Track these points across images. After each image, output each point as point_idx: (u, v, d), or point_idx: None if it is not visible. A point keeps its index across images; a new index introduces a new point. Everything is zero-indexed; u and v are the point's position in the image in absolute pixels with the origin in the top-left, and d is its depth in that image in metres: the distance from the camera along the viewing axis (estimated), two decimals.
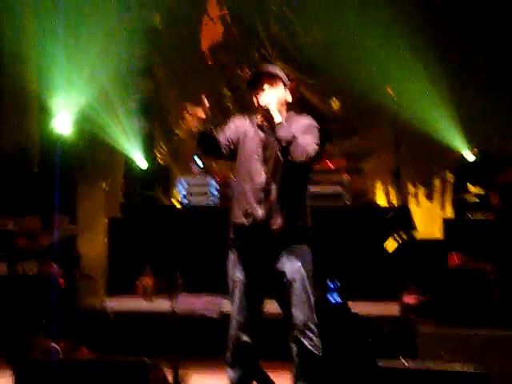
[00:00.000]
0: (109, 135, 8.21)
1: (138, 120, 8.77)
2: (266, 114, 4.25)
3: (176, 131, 8.86)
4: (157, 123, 8.99)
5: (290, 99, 4.42)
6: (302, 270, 4.26)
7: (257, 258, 4.30)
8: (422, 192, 8.31)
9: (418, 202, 8.29)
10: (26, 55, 8.00)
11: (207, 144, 4.31)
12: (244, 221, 4.31)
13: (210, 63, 8.90)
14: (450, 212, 7.90)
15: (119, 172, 8.58)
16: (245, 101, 8.77)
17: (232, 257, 4.42)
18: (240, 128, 4.43)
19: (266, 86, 4.30)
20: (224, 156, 4.41)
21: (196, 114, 4.18)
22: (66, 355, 5.66)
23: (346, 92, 8.16)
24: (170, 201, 7.63)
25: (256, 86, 4.35)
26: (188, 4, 8.86)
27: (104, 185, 8.70)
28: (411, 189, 8.18)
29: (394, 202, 7.77)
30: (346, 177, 7.19)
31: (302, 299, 4.24)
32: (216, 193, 7.22)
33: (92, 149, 8.18)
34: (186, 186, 7.28)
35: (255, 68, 4.53)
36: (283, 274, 4.25)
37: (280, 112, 4.29)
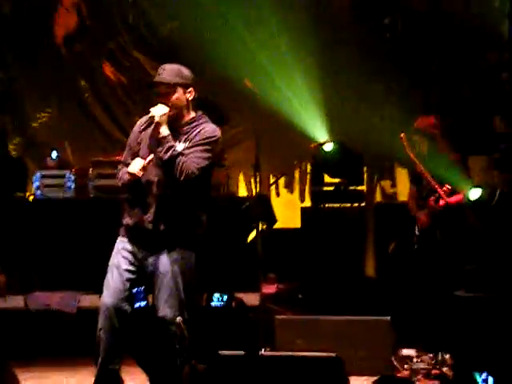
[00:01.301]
0: None
1: None
2: (156, 125, 4.25)
3: (30, 123, 8.57)
4: (10, 115, 8.65)
5: (190, 97, 4.35)
6: (176, 267, 4.26)
7: (139, 253, 4.32)
8: (281, 183, 8.41)
9: (278, 193, 8.40)
10: None
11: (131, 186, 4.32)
12: (130, 222, 4.34)
13: (64, 53, 8.64)
14: (308, 202, 8.03)
15: None
16: (101, 91, 8.64)
17: (118, 246, 4.39)
18: (136, 134, 4.42)
19: (161, 94, 4.28)
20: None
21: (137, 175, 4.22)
22: None
23: (206, 84, 8.14)
24: (24, 194, 7.36)
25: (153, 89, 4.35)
26: None
27: None
28: (272, 180, 8.26)
29: (255, 193, 7.83)
30: None
31: (171, 294, 4.25)
32: (72, 185, 7.04)
33: None
34: (40, 179, 7.06)
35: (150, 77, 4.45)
36: (157, 268, 4.27)
37: (179, 116, 4.30)
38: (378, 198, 8.14)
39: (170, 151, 4.20)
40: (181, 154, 4.21)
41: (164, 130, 4.23)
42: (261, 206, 6.56)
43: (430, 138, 5.83)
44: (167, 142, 4.22)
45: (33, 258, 6.84)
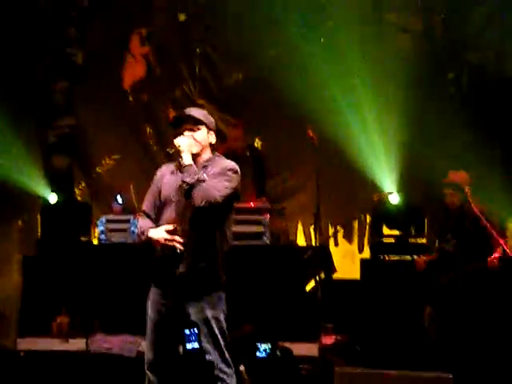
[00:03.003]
0: (23, 172, 8.06)
1: (58, 156, 8.66)
2: (178, 155, 4.30)
3: (96, 169, 8.78)
4: (76, 160, 8.88)
5: (213, 141, 4.44)
6: (208, 312, 4.27)
7: (167, 299, 4.33)
8: (341, 233, 8.41)
9: (336, 243, 8.39)
10: None
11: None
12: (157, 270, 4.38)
13: (131, 101, 8.87)
14: (367, 253, 8.00)
15: (36, 209, 8.41)
16: (166, 139, 8.81)
17: (150, 295, 4.43)
18: (157, 180, 4.46)
19: (185, 128, 4.34)
20: None
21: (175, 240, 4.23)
22: None
23: (268, 132, 8.26)
24: (89, 238, 7.51)
25: (178, 128, 4.39)
26: (111, 41, 8.86)
27: (20, 222, 8.51)
28: (331, 230, 8.27)
29: (314, 242, 7.83)
30: (266, 216, 7.22)
31: (209, 341, 4.25)
32: (136, 230, 7.14)
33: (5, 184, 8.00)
34: (105, 223, 7.19)
35: (180, 111, 4.51)
36: (189, 316, 4.28)
37: (199, 155, 4.34)
38: None
39: (196, 176, 4.19)
40: (205, 180, 4.22)
41: (188, 159, 4.26)
42: (321, 256, 6.56)
43: (462, 192, 5.94)
44: (191, 169, 4.23)
45: (95, 300, 6.94)
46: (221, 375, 4.25)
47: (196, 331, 4.29)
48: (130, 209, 7.34)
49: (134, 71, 8.87)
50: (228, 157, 7.09)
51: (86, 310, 6.97)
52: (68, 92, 8.74)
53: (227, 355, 4.29)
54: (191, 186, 4.18)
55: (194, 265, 4.26)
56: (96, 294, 6.95)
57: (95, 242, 7.31)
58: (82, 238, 7.53)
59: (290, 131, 8.05)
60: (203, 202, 4.17)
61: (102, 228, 7.20)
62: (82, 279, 6.91)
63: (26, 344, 6.79)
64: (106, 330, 6.83)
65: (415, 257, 6.48)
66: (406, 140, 7.77)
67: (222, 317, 4.32)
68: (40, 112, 8.70)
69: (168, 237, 4.23)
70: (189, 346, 4.31)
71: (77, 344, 6.68)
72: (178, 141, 4.31)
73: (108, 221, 7.24)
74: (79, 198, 8.64)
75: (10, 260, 8.11)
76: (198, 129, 4.36)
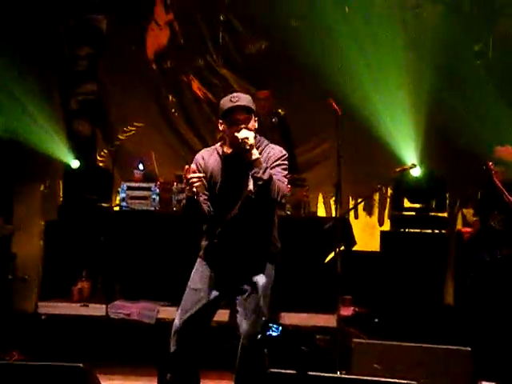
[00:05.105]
0: (46, 137, 8.10)
1: (80, 123, 8.68)
2: (243, 149, 4.22)
3: (118, 136, 8.79)
4: (99, 127, 8.90)
5: (256, 126, 4.41)
6: (261, 284, 4.36)
7: (222, 274, 4.43)
8: (361, 206, 8.38)
9: (356, 216, 8.37)
10: None
11: (192, 209, 4.30)
12: (208, 243, 4.46)
13: (154, 69, 8.86)
14: (387, 226, 7.98)
15: (58, 174, 8.46)
16: (188, 108, 8.80)
17: (197, 266, 4.49)
18: (202, 167, 4.43)
19: (241, 120, 4.29)
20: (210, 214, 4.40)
21: (199, 178, 4.19)
22: None
23: (290, 103, 8.21)
24: (109, 205, 7.55)
25: (229, 115, 4.33)
26: (135, 8, 8.81)
27: (42, 187, 8.57)
28: (351, 202, 8.25)
29: (334, 214, 7.81)
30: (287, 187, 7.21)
31: (254, 312, 4.33)
32: (156, 198, 7.18)
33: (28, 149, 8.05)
34: (126, 190, 7.22)
35: (230, 97, 4.40)
36: (238, 286, 4.38)
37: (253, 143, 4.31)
38: (460, 225, 8.04)
39: (268, 172, 4.20)
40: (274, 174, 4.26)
41: (256, 153, 4.25)
42: (341, 228, 6.55)
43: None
44: (261, 163, 4.22)
45: (116, 266, 7.00)
46: (258, 345, 4.24)
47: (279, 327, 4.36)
48: (152, 176, 7.34)
49: (157, 39, 8.83)
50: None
51: (106, 276, 7.02)
52: (91, 58, 8.72)
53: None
54: (267, 182, 4.18)
55: (254, 242, 4.38)
56: (117, 261, 7.00)
57: (116, 208, 7.34)
58: (103, 204, 7.56)
59: (313, 103, 8.00)
60: (280, 197, 4.24)
61: (123, 195, 7.22)
62: (103, 245, 6.94)
63: (46, 308, 6.85)
64: (126, 297, 6.89)
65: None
66: (429, 112, 7.71)
67: (269, 290, 4.42)
68: (63, 77, 8.72)
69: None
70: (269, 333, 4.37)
71: (97, 309, 6.74)
72: (245, 134, 4.21)
73: (129, 188, 7.26)
74: (101, 165, 8.68)
75: (32, 225, 8.18)
76: (251, 118, 4.34)
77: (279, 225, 4.60)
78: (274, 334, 5.75)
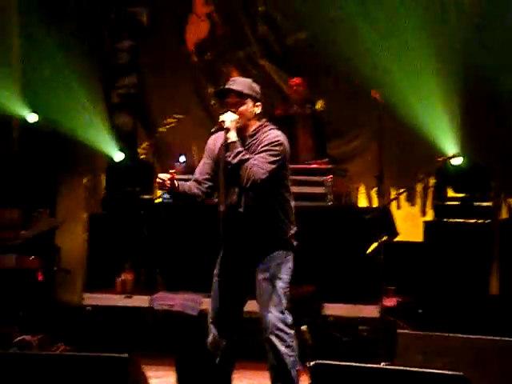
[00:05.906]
0: (89, 130, 8.17)
1: (122, 115, 8.75)
2: (225, 131, 4.26)
3: (159, 128, 8.84)
4: (139, 119, 8.95)
5: (258, 111, 4.36)
6: (272, 271, 4.30)
7: (236, 260, 4.40)
8: (403, 196, 8.31)
9: (399, 206, 8.31)
10: None
11: (177, 199, 4.43)
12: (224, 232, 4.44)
13: (195, 61, 8.88)
14: (430, 216, 7.91)
15: (101, 168, 8.54)
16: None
17: (220, 254, 4.50)
18: (212, 152, 4.43)
19: (231, 103, 4.28)
20: (203, 198, 4.41)
21: (164, 183, 4.23)
22: (42, 349, 5.62)
23: (331, 93, 8.17)
24: (151, 197, 7.59)
25: (223, 98, 4.37)
26: (176, 0, 8.84)
27: (85, 180, 8.66)
28: (393, 192, 8.19)
29: (376, 204, 7.77)
30: (328, 178, 7.18)
31: (270, 300, 4.28)
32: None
33: (72, 142, 8.13)
34: None
35: (225, 82, 4.44)
36: (257, 275, 4.33)
37: (246, 126, 4.30)
38: (504, 215, 7.94)
39: (239, 156, 4.17)
40: (248, 159, 4.19)
41: (233, 136, 4.23)
42: (383, 218, 6.50)
43: None
44: (235, 147, 4.20)
45: (159, 258, 7.05)
46: (281, 335, 4.26)
47: None
48: (193, 169, 7.35)
49: (197, 31, 8.86)
50: (287, 117, 7.08)
51: (149, 268, 7.08)
52: (132, 51, 8.78)
53: (288, 316, 4.31)
54: (235, 167, 4.17)
55: (258, 228, 4.31)
56: (159, 252, 7.04)
57: (158, 200, 7.38)
58: (146, 197, 7.61)
59: (354, 93, 7.95)
60: (248, 183, 4.16)
61: None
62: (145, 237, 6.99)
63: (91, 299, 6.93)
64: (169, 288, 6.94)
65: None
66: (469, 101, 7.62)
67: (286, 277, 4.34)
68: (105, 70, 8.79)
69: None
70: None
71: (140, 300, 6.80)
72: (222, 117, 4.26)
73: None
74: (142, 157, 8.73)
75: (76, 218, 8.28)
76: (243, 103, 4.29)
77: (298, 212, 4.50)
78: None
